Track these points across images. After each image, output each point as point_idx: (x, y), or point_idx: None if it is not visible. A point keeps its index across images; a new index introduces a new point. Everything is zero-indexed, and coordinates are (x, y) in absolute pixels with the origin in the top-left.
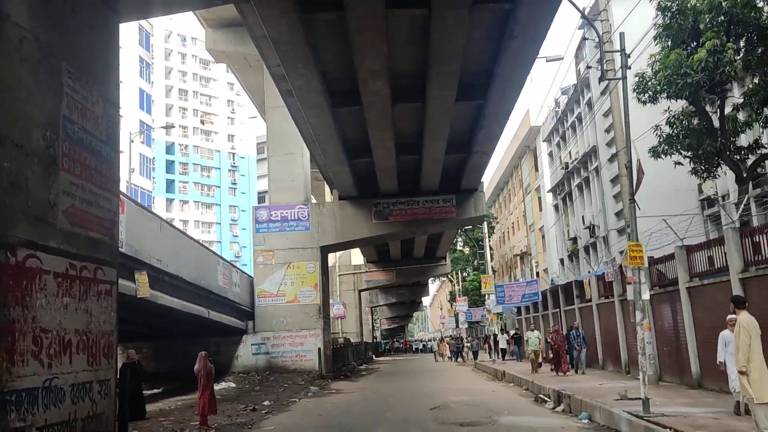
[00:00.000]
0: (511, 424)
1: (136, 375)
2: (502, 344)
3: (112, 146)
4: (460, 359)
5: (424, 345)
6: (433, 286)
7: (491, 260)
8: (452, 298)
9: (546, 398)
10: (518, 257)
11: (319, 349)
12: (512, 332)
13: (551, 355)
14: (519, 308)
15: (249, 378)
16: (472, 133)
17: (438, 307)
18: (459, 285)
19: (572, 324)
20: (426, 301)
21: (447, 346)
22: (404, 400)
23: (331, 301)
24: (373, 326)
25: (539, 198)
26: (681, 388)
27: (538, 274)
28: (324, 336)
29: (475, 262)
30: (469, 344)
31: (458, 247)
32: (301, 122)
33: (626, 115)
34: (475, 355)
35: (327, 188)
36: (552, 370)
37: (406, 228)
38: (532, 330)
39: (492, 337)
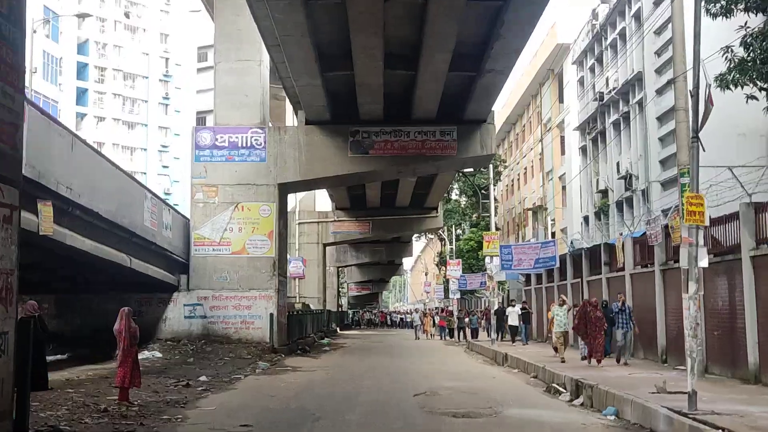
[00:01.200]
0: (519, 417)
1: (36, 333)
2: (512, 320)
3: (16, 24)
4: (450, 337)
5: (402, 318)
6: (417, 244)
7: (495, 215)
8: (442, 261)
9: (561, 388)
10: (530, 212)
11: (272, 315)
12: (518, 307)
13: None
14: (527, 276)
15: (180, 347)
16: (484, 45)
17: (422, 271)
18: (452, 244)
19: (617, 296)
20: (407, 263)
21: (433, 320)
22: (381, 383)
23: (287, 256)
24: (338, 291)
25: (562, 137)
26: (733, 382)
27: (554, 234)
28: (278, 299)
29: (474, 216)
30: (468, 320)
31: (453, 197)
32: (263, 16)
33: (697, 22)
34: (474, 333)
35: (289, 110)
36: (584, 358)
37: (391, 166)
38: (561, 304)
39: (496, 312)
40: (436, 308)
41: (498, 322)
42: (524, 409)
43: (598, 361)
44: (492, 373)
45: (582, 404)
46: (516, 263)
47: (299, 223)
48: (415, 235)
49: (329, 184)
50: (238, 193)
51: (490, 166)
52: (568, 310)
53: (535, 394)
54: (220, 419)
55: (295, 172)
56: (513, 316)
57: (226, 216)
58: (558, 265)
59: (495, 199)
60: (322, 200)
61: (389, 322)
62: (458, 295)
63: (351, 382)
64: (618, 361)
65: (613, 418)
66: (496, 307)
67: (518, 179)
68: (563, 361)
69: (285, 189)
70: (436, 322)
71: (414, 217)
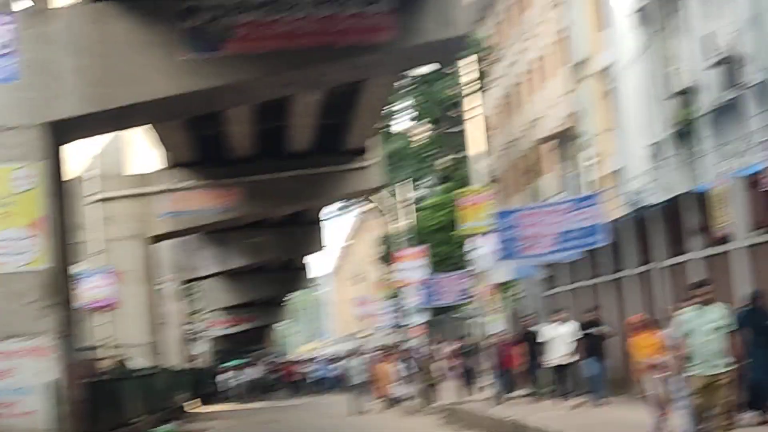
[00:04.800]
0: None
1: None
2: (556, 352)
3: None
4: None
5: (326, 370)
6: (338, 225)
7: (486, 153)
8: (385, 254)
9: None
10: (550, 143)
11: (55, 384)
12: (569, 324)
13: None
14: (554, 268)
15: None
16: None
17: (350, 278)
18: (404, 218)
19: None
20: (321, 266)
21: (395, 367)
22: None
23: (78, 266)
24: (187, 331)
25: None
26: None
27: (598, 183)
28: (65, 352)
29: (444, 160)
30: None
31: (399, 125)
32: None
33: None
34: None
35: None
36: None
37: (268, 73)
38: (705, 301)
39: (527, 336)
40: (379, 348)
41: (529, 358)
42: None
43: None
44: None
45: None
46: (527, 245)
47: (104, 200)
48: (332, 208)
49: (149, 117)
50: None
51: (469, 57)
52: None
53: None
54: None
55: (78, 98)
56: (559, 343)
57: None
58: (607, 240)
59: (485, 123)
60: (143, 153)
61: (301, 382)
62: (423, 318)
63: None
64: None
65: None
66: (497, 331)
67: (522, 84)
68: None
69: (61, 133)
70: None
71: (325, 171)
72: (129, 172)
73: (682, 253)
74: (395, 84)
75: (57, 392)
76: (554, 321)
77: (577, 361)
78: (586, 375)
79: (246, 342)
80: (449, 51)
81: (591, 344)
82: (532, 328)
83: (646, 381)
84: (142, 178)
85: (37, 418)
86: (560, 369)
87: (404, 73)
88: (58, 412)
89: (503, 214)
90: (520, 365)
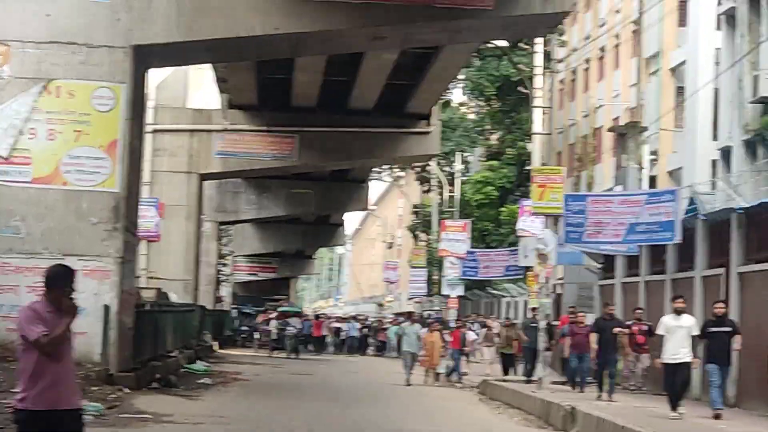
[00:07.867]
0: None
1: None
2: (674, 347)
3: None
4: (453, 376)
5: (365, 332)
6: (375, 188)
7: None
8: (422, 223)
9: None
10: (610, 134)
11: (107, 308)
12: (680, 313)
13: None
14: (608, 262)
15: None
16: None
17: (373, 240)
18: (451, 189)
19: None
20: (350, 225)
21: (442, 338)
22: None
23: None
24: (217, 273)
25: None
26: None
27: (654, 180)
28: (122, 278)
29: (494, 137)
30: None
31: (455, 97)
32: None
33: None
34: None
35: None
36: None
37: (363, 25)
38: None
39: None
40: (426, 315)
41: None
42: None
43: None
44: None
45: None
46: (592, 231)
47: (155, 131)
48: (380, 170)
49: (234, 54)
50: (50, 59)
51: (543, 40)
52: None
53: None
54: None
55: (167, 25)
56: (675, 337)
57: (23, 105)
58: (679, 237)
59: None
60: (201, 89)
61: (334, 341)
62: (460, 291)
63: None
64: None
65: None
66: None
67: (585, 71)
68: None
69: (146, 59)
70: (447, 343)
71: (385, 131)
72: (187, 106)
73: (760, 261)
74: (470, 54)
75: (111, 316)
76: (673, 311)
77: (687, 362)
78: (711, 381)
79: (265, 291)
80: (544, 26)
81: (715, 346)
82: (613, 316)
83: None
84: (199, 114)
85: (88, 340)
86: (670, 368)
87: (488, 42)
88: (109, 336)
89: (573, 198)
90: (595, 354)
